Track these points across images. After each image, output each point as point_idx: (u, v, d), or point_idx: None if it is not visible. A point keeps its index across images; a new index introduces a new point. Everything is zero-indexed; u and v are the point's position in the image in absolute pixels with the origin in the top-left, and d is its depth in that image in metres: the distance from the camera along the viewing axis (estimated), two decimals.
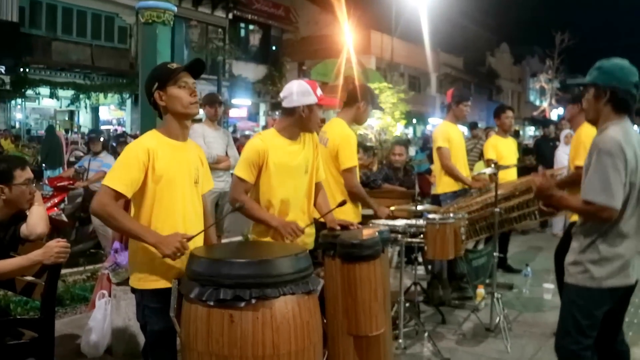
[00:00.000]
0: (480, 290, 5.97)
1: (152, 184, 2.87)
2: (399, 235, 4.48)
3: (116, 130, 24.94)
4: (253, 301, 2.47)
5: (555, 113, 41.51)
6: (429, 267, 6.55)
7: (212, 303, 2.49)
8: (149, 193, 2.88)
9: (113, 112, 27.68)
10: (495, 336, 5.03)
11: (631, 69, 3.10)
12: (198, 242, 3.03)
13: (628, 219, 3.05)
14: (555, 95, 41.69)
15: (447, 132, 6.03)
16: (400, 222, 4.67)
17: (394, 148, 7.55)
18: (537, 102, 51.53)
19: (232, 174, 6.58)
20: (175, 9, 4.75)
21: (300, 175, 3.62)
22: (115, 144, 9.58)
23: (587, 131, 4.44)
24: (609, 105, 3.09)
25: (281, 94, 3.65)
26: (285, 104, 3.60)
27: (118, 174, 2.84)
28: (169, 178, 2.90)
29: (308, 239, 3.67)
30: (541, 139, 12.26)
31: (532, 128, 48.14)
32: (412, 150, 16.12)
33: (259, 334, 2.48)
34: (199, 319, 2.54)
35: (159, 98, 2.97)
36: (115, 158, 8.39)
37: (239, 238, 8.07)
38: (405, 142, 8.28)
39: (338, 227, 3.64)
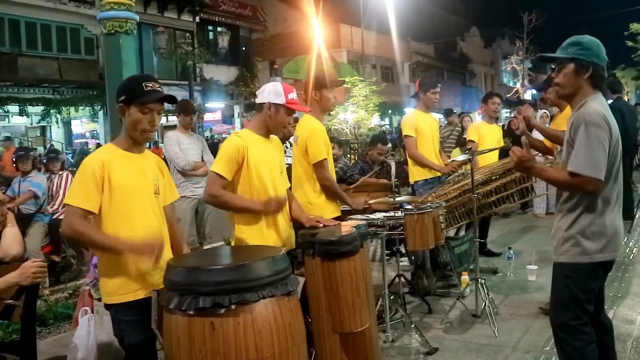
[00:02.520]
0: (465, 277, 5.99)
1: (109, 197, 2.87)
2: (379, 229, 4.48)
3: (87, 143, 24.69)
4: (233, 307, 2.45)
5: (529, 93, 41.76)
6: (412, 257, 6.57)
7: (192, 312, 2.47)
8: (108, 205, 2.88)
9: (86, 125, 27.38)
10: (482, 321, 5.05)
11: (602, 46, 3.15)
12: (167, 254, 3.03)
13: (611, 190, 3.09)
14: (527, 75, 41.96)
15: (414, 121, 6.05)
16: (378, 215, 4.67)
17: (377, 146, 7.55)
18: (511, 84, 51.85)
19: None
20: (138, 17, 4.70)
21: (277, 174, 3.64)
22: (47, 160, 8.70)
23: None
24: (589, 81, 3.12)
25: (257, 91, 3.72)
26: (257, 100, 3.67)
27: (78, 191, 2.85)
28: (126, 189, 2.90)
29: (290, 239, 3.69)
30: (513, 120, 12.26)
31: (508, 110, 48.41)
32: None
33: (241, 339, 2.46)
34: (180, 329, 2.52)
35: (120, 110, 2.95)
36: (48, 177, 7.94)
37: (221, 244, 8.06)
38: (385, 138, 8.32)
39: (321, 225, 3.63)
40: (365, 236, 3.64)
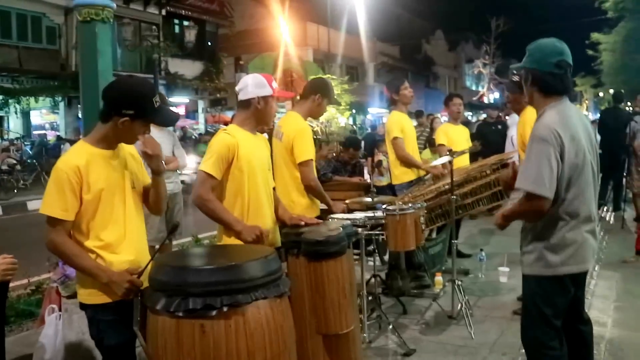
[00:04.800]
0: (439, 278, 5.99)
1: (89, 201, 2.73)
2: (359, 228, 4.42)
3: (46, 135, 24.10)
4: (224, 309, 2.35)
5: (492, 97, 42.38)
6: (385, 258, 6.54)
7: (180, 314, 2.36)
8: (90, 209, 2.74)
9: (45, 116, 26.72)
10: (458, 323, 5.05)
11: (553, 49, 3.04)
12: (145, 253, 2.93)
13: (574, 202, 2.99)
14: (492, 79, 42.53)
15: (400, 122, 6.04)
16: (359, 215, 4.61)
17: (349, 151, 7.78)
18: (474, 87, 52.51)
19: (179, 174, 6.46)
20: (115, 5, 4.54)
21: (265, 171, 3.55)
22: None
23: (531, 113, 4.48)
24: (535, 88, 3.07)
25: (237, 88, 3.60)
26: (240, 97, 3.54)
27: (54, 200, 2.69)
28: (106, 191, 2.77)
29: (275, 237, 3.58)
30: (483, 123, 12.37)
31: (470, 113, 48.97)
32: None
33: (232, 342, 2.36)
34: (167, 332, 2.40)
35: (119, 120, 2.75)
36: None
37: (189, 239, 7.93)
38: (358, 144, 8.42)
39: (303, 223, 3.55)
40: (351, 236, 3.58)
